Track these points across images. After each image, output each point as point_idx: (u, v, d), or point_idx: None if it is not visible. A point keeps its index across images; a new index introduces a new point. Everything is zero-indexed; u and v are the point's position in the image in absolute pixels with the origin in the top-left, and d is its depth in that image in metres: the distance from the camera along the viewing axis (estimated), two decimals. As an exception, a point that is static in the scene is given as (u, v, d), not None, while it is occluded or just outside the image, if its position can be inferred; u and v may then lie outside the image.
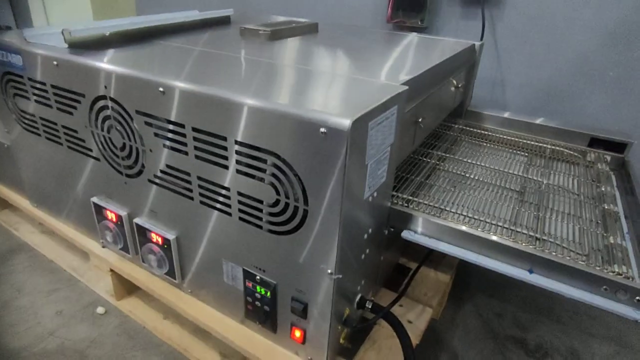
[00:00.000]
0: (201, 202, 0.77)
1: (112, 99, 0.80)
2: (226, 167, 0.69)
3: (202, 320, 0.89)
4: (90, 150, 0.92)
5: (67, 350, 0.98)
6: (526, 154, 1.22)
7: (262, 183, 0.66)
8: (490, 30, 1.62)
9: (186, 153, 0.74)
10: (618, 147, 1.18)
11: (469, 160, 1.12)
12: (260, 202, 0.68)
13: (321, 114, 0.56)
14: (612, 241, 0.79)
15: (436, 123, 1.11)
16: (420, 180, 0.99)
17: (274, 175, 0.64)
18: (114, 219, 0.96)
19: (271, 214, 0.68)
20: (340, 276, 0.66)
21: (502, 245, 0.74)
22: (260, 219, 0.70)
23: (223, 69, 0.78)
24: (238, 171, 0.68)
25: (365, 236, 0.73)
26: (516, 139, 1.26)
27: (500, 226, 0.83)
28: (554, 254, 0.73)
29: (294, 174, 0.61)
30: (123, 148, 0.84)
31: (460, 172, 1.07)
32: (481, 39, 1.56)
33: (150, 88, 0.72)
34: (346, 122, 0.54)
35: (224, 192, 0.72)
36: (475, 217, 0.86)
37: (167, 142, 0.75)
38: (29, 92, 0.96)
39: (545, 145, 1.23)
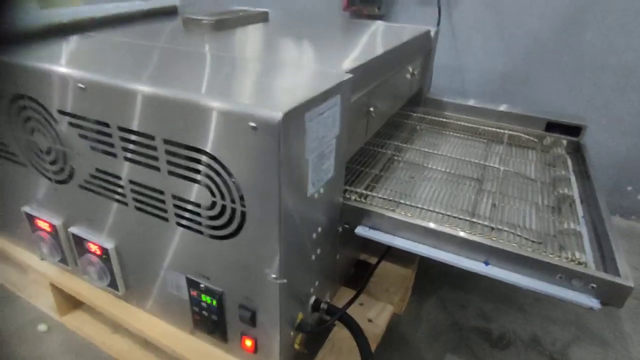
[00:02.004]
0: (136, 208, 0.71)
1: (31, 99, 0.72)
2: (157, 169, 0.63)
3: (150, 334, 0.83)
4: (15, 155, 0.83)
5: (4, 374, 0.90)
6: (485, 141, 1.20)
7: (197, 184, 0.60)
8: (447, 17, 1.60)
9: (115, 155, 0.67)
10: (573, 130, 1.18)
11: (428, 150, 1.10)
12: (197, 205, 0.62)
13: (250, 107, 0.51)
14: (566, 226, 0.78)
15: (392, 112, 1.07)
16: (376, 173, 0.95)
17: (207, 175, 0.59)
18: (49, 229, 0.88)
19: (209, 218, 0.62)
20: (285, 281, 0.61)
21: (457, 238, 0.71)
22: (198, 223, 0.64)
23: (153, 62, 0.72)
24: (170, 172, 0.62)
25: (315, 235, 0.69)
26: (475, 126, 1.25)
27: (457, 217, 0.80)
28: (509, 244, 0.71)
29: (227, 173, 0.56)
30: (49, 152, 0.77)
31: (418, 162, 1.04)
32: (437, 26, 1.54)
33: (70, 84, 0.65)
34: (277, 115, 0.49)
35: (158, 195, 0.66)
36: (432, 209, 0.83)
37: (94, 144, 0.68)
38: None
39: (503, 131, 1.22)
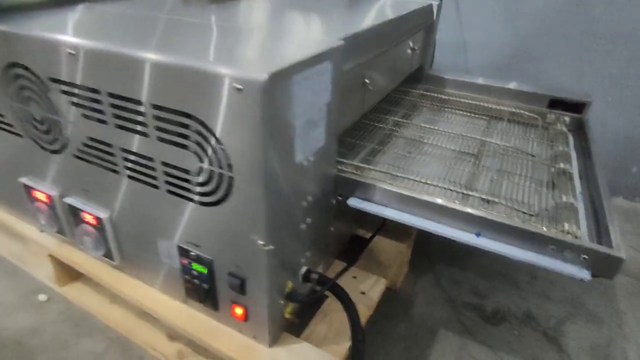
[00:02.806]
0: (128, 176, 0.71)
1: (23, 67, 0.72)
2: (147, 135, 0.63)
3: (144, 303, 0.84)
4: (11, 125, 0.84)
5: (6, 340, 0.92)
6: (486, 118, 1.19)
7: (185, 150, 0.60)
8: (452, -8, 1.56)
9: (105, 122, 0.67)
10: (577, 107, 1.16)
11: (427, 126, 1.08)
12: (186, 171, 0.62)
13: (235, 68, 0.50)
14: (563, 200, 0.77)
15: (391, 86, 1.06)
16: (373, 147, 0.94)
17: (195, 141, 0.58)
18: (46, 200, 0.89)
19: (198, 184, 0.62)
20: (273, 247, 0.62)
21: (449, 209, 0.71)
22: (188, 190, 0.64)
23: (144, 29, 0.71)
24: (159, 139, 0.62)
25: (305, 204, 0.69)
26: (476, 103, 1.23)
27: (452, 190, 0.80)
28: (501, 215, 0.70)
29: (214, 138, 0.56)
30: (43, 122, 0.77)
31: (417, 137, 1.03)
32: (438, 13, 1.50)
33: (60, 51, 0.64)
34: (262, 76, 0.48)
35: (148, 163, 0.66)
36: (427, 182, 0.82)
37: (85, 111, 0.68)
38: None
39: (505, 109, 1.20)
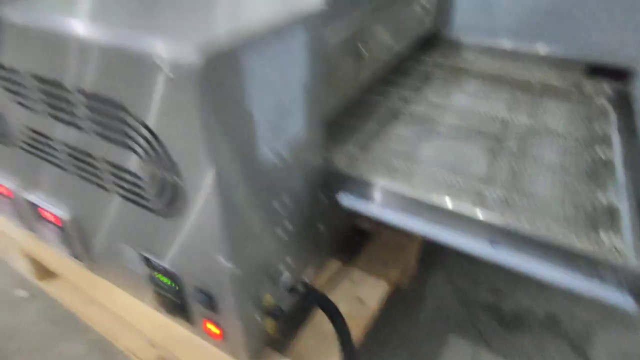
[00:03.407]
0: (76, 175, 0.61)
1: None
2: (80, 128, 0.52)
3: (115, 310, 0.76)
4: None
5: (-20, 342, 0.87)
6: (511, 90, 1.02)
7: (126, 150, 0.49)
8: (476, -60, 1.34)
9: (35, 110, 0.56)
10: (620, 75, 0.97)
11: (440, 101, 0.93)
12: (130, 173, 0.51)
13: (163, 45, 0.37)
14: (601, 200, 0.62)
15: (395, 52, 0.90)
16: (373, 128, 0.80)
17: (131, 137, 0.46)
18: (7, 194, 0.81)
19: (147, 190, 0.51)
20: (235, 267, 0.51)
21: (456, 214, 0.58)
22: (136, 194, 0.53)
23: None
24: (95, 132, 0.51)
25: (278, 205, 0.57)
26: (500, 73, 1.06)
27: (466, 187, 0.66)
28: (524, 221, 0.57)
29: (150, 133, 0.44)
30: (-18, 107, 0.66)
31: (427, 115, 0.88)
32: None
33: (-26, 24, 0.53)
34: (196, 59, 0.35)
35: (90, 160, 0.55)
36: (438, 175, 0.68)
37: (14, 97, 0.57)
38: None
39: (533, 79, 1.02)
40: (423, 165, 0.71)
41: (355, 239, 0.89)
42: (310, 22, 0.49)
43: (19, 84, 0.55)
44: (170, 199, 0.49)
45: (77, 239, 0.74)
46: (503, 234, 0.56)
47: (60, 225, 0.74)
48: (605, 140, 0.78)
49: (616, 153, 0.76)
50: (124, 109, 0.44)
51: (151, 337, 0.72)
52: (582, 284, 0.51)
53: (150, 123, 0.43)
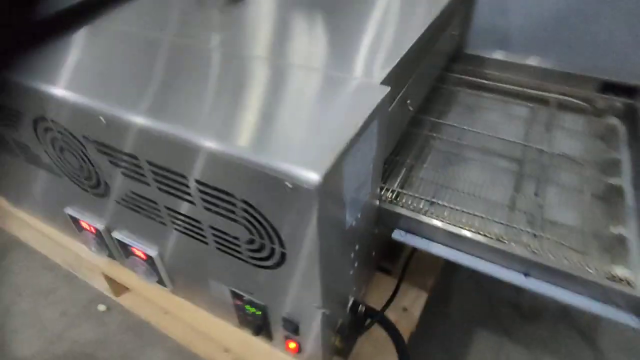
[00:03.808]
0: (175, 229, 0.72)
1: (54, 122, 0.70)
2: (193, 203, 0.63)
3: (199, 327, 0.90)
4: (49, 166, 0.84)
5: (77, 353, 1.01)
6: (529, 106, 1.11)
7: (234, 222, 0.60)
8: (492, -53, 1.38)
9: (147, 184, 0.66)
10: (632, 92, 1.07)
11: (465, 127, 1.02)
12: (236, 238, 0.63)
13: (286, 166, 0.48)
14: (612, 230, 0.74)
15: (430, 85, 0.99)
16: (412, 163, 0.91)
17: (245, 219, 0.58)
18: (93, 231, 0.92)
19: (249, 250, 0.63)
20: (327, 312, 0.63)
21: (497, 250, 0.70)
22: (238, 252, 0.65)
23: (175, 80, 0.67)
24: (206, 208, 0.62)
25: (352, 255, 0.69)
26: (518, 88, 1.15)
27: (496, 221, 0.78)
28: (550, 256, 0.69)
29: (265, 220, 0.55)
30: (82, 169, 0.77)
31: (455, 140, 0.98)
32: None
33: (91, 117, 0.62)
34: (315, 178, 0.46)
35: (196, 224, 0.67)
36: (470, 211, 0.80)
37: (125, 172, 0.68)
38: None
39: (550, 95, 1.12)
40: (459, 198, 0.83)
41: (394, 251, 1.01)
42: (382, 109, 0.59)
43: (135, 166, 0.65)
44: (271, 262, 0.61)
45: (164, 271, 0.87)
46: (534, 267, 0.68)
47: (148, 260, 0.86)
48: (617, 164, 0.89)
49: (625, 174, 0.87)
50: (245, 202, 0.55)
51: (234, 350, 0.86)
52: (600, 309, 0.64)
53: (268, 216, 0.54)
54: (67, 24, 0.84)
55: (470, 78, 1.19)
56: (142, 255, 0.85)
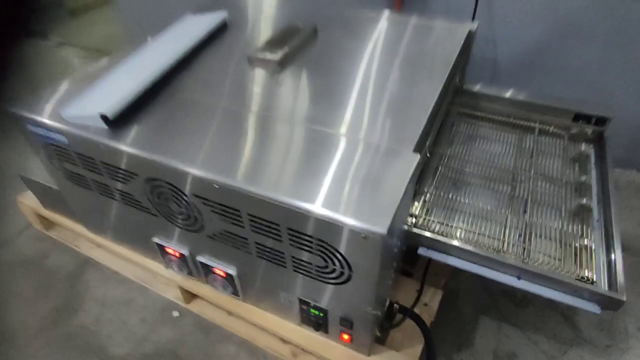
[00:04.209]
0: (257, 256, 0.96)
1: (167, 182, 0.93)
2: (280, 241, 0.87)
3: (267, 326, 1.15)
4: (147, 208, 1.07)
5: (162, 351, 1.26)
6: (517, 133, 1.36)
7: (313, 254, 0.84)
8: (482, -10, 1.61)
9: (242, 227, 0.90)
10: (599, 122, 1.31)
11: (467, 156, 1.27)
12: (311, 264, 0.87)
13: (362, 223, 0.72)
14: (584, 243, 1.00)
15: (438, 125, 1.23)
16: (427, 191, 1.16)
17: (323, 252, 0.82)
18: (177, 256, 1.15)
19: (321, 272, 0.87)
20: (379, 313, 0.88)
21: (497, 261, 0.95)
22: (312, 273, 0.90)
23: (260, 148, 0.90)
24: (292, 245, 0.86)
25: (392, 270, 0.94)
26: (507, 119, 1.39)
27: (494, 237, 1.03)
28: (535, 264, 0.95)
29: (342, 256, 0.80)
30: (180, 213, 1.00)
31: (460, 168, 1.23)
32: (473, 17, 1.57)
33: (205, 182, 0.85)
34: (383, 230, 0.71)
35: (278, 254, 0.91)
36: (474, 228, 1.05)
37: (224, 219, 0.91)
38: (77, 161, 1.07)
39: (534, 125, 1.36)
40: (465, 218, 1.08)
41: (413, 260, 1.26)
42: (415, 172, 0.83)
43: (236, 216, 0.88)
44: (339, 280, 0.85)
45: (239, 285, 1.11)
46: (524, 272, 0.94)
47: (227, 278, 1.10)
48: (587, 186, 1.15)
49: (594, 198, 1.13)
50: (325, 242, 0.79)
51: (296, 342, 1.11)
52: (572, 301, 0.90)
53: (342, 251, 0.78)
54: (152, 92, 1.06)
55: (469, 111, 1.43)
56: (222, 274, 1.09)
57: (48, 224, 1.61)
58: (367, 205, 0.76)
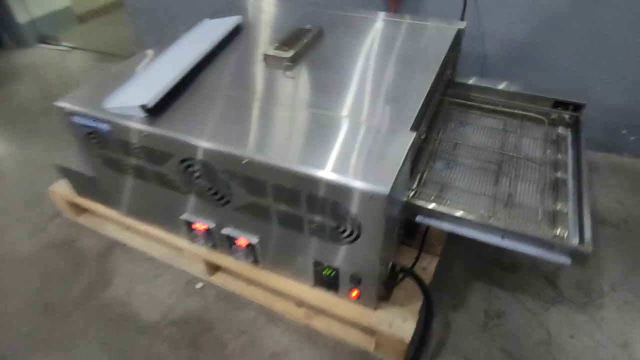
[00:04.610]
0: (279, 225, 1.12)
1: (201, 161, 1.08)
2: (299, 207, 1.02)
3: (284, 289, 1.30)
4: (179, 187, 1.22)
5: (189, 316, 1.41)
6: (503, 119, 1.52)
7: (328, 218, 1.00)
8: (470, -9, 1.78)
9: (266, 197, 1.06)
10: (576, 108, 1.48)
11: (458, 140, 1.43)
12: (326, 226, 1.03)
13: (370, 184, 0.88)
14: (557, 208, 1.16)
15: (432, 113, 1.39)
16: (424, 169, 1.32)
17: (336, 213, 0.98)
18: (203, 229, 1.31)
19: (335, 233, 1.03)
20: (383, 268, 1.04)
21: (484, 224, 1.11)
22: (325, 235, 1.05)
23: (281, 129, 1.06)
24: (309, 211, 1.01)
25: (395, 232, 1.10)
26: (494, 107, 1.55)
27: (484, 205, 1.19)
28: (517, 225, 1.11)
29: (353, 216, 0.95)
30: (210, 189, 1.15)
31: (452, 151, 1.39)
32: (462, 17, 1.73)
33: (236, 159, 1.01)
34: (386, 190, 0.86)
35: (297, 220, 1.06)
36: (465, 199, 1.21)
37: (250, 190, 1.07)
38: (116, 147, 1.22)
39: (517, 111, 1.53)
40: (457, 191, 1.24)
41: (410, 231, 1.42)
42: (412, 146, 0.99)
43: (261, 187, 1.03)
44: (350, 239, 1.01)
45: (259, 254, 1.26)
46: (507, 233, 1.10)
47: (249, 247, 1.25)
48: (563, 165, 1.31)
49: (569, 173, 1.29)
50: (337, 203, 0.95)
51: (311, 302, 1.26)
52: (547, 255, 1.06)
53: (353, 211, 0.94)
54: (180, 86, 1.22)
55: (460, 100, 1.59)
56: (245, 244, 1.25)
57: (78, 211, 1.76)
58: (373, 171, 0.92)
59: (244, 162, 1.00)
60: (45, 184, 1.73)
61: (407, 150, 0.96)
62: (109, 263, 1.61)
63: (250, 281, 1.47)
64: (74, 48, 3.29)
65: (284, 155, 0.97)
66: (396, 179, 0.90)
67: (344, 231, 1.01)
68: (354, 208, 0.94)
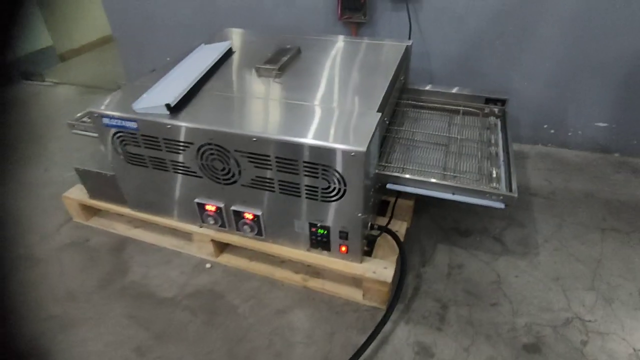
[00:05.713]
0: (280, 192, 1.40)
1: (216, 145, 1.37)
2: (297, 174, 1.32)
3: (284, 254, 1.57)
4: (195, 172, 1.49)
5: (202, 290, 1.63)
6: (448, 114, 1.91)
7: (320, 179, 1.30)
8: (415, 19, 2.22)
9: (270, 169, 1.35)
10: (502, 102, 1.89)
11: (415, 130, 1.80)
12: (318, 188, 1.33)
13: (351, 146, 1.20)
14: (494, 171, 1.53)
15: (392, 110, 1.76)
16: (389, 151, 1.66)
17: (327, 175, 1.28)
18: (214, 209, 1.57)
19: (325, 193, 1.33)
20: (365, 216, 1.35)
21: (438, 184, 1.45)
22: (318, 195, 1.35)
23: (278, 116, 1.37)
24: (306, 175, 1.31)
25: (371, 192, 1.41)
26: (441, 106, 1.95)
27: (437, 173, 1.54)
28: (464, 183, 1.45)
29: (339, 174, 1.26)
30: (222, 169, 1.43)
31: (410, 137, 1.75)
32: (409, 38, 2.17)
33: (246, 138, 1.31)
34: (363, 148, 1.19)
35: (295, 186, 1.36)
36: (423, 169, 1.55)
37: (258, 165, 1.36)
38: (140, 142, 1.49)
39: (459, 108, 1.93)
40: (416, 164, 1.58)
41: (384, 207, 1.74)
42: (379, 123, 1.33)
43: (265, 160, 1.33)
44: (337, 197, 1.31)
45: (263, 225, 1.53)
46: (457, 189, 1.44)
47: (255, 219, 1.52)
48: (496, 142, 1.69)
49: (500, 147, 1.67)
50: (329, 166, 1.26)
51: (307, 262, 1.53)
52: (487, 202, 1.41)
53: (340, 170, 1.25)
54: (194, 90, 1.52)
55: (413, 102, 1.98)
56: (251, 217, 1.52)
57: (88, 215, 1.95)
58: (351, 137, 1.24)
59: (253, 139, 1.30)
60: (48, 198, 1.93)
61: (376, 124, 1.30)
62: (124, 255, 1.81)
63: (253, 257, 1.72)
64: (57, 83, 3.50)
65: (283, 132, 1.28)
66: (370, 142, 1.23)
67: (332, 190, 1.31)
68: (339, 167, 1.25)
